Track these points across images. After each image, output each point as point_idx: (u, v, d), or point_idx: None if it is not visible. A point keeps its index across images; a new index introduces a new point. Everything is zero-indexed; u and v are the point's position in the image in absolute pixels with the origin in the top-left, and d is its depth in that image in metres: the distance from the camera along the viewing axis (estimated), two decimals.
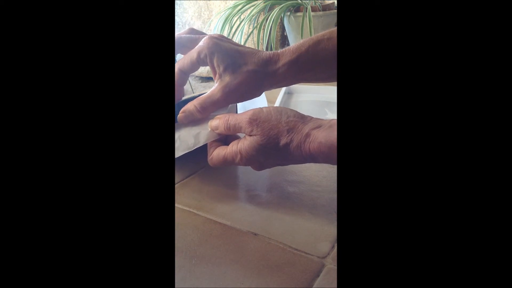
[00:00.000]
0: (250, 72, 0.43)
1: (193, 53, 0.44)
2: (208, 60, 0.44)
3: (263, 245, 0.36)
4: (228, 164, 0.41)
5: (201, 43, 0.44)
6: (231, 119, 0.41)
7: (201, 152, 0.46)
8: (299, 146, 0.37)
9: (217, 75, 0.44)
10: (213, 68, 0.44)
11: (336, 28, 0.45)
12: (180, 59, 0.45)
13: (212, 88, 0.45)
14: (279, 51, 0.46)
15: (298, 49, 0.45)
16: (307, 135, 0.37)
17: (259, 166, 0.41)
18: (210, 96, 0.44)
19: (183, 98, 0.57)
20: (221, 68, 0.43)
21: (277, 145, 0.38)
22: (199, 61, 0.44)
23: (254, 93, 0.46)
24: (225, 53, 0.43)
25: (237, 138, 0.43)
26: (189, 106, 0.45)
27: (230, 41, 0.46)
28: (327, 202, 0.42)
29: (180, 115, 0.46)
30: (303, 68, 0.45)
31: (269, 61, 0.45)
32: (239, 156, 0.40)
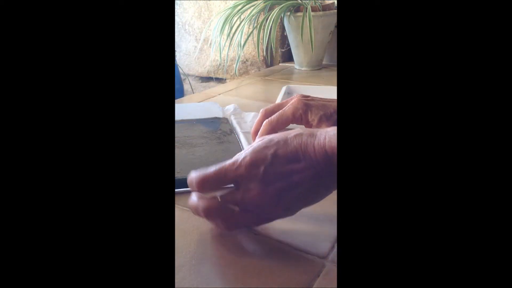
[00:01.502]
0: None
1: (287, 115, 0.50)
2: (303, 117, 0.50)
3: (263, 245, 0.36)
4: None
5: (293, 106, 0.51)
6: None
7: None
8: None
9: (309, 126, 0.51)
10: (307, 122, 0.51)
11: None
12: (271, 120, 0.51)
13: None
14: None
15: None
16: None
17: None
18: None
19: (183, 119, 0.58)
20: (316, 120, 0.50)
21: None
22: (294, 121, 0.51)
23: None
24: (316, 107, 0.50)
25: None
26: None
27: (315, 98, 0.53)
28: (327, 202, 0.42)
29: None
30: None
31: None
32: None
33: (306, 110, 0.50)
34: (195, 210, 0.36)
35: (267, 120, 0.51)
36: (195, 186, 0.36)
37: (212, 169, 0.36)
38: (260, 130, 0.51)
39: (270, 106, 0.53)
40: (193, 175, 0.36)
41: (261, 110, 0.53)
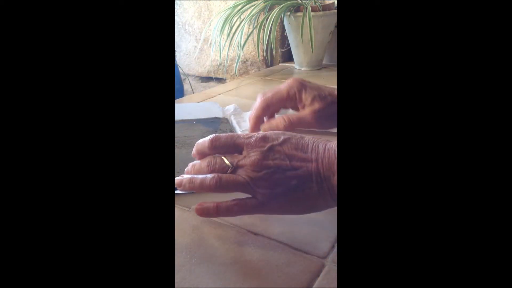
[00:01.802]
0: (336, 103, 0.51)
1: (282, 92, 0.52)
2: (297, 96, 0.52)
3: (263, 245, 0.36)
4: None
5: (288, 84, 0.52)
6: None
7: None
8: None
9: (302, 105, 0.52)
10: (300, 101, 0.52)
11: None
12: (267, 97, 0.52)
13: (301, 112, 0.52)
14: None
15: None
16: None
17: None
18: (300, 117, 0.52)
19: (183, 119, 0.59)
20: (309, 99, 0.51)
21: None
22: (288, 99, 0.52)
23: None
24: (311, 88, 0.52)
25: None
26: (278, 121, 0.52)
27: (311, 82, 0.54)
28: None
29: (265, 127, 0.52)
30: None
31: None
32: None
33: (300, 89, 0.51)
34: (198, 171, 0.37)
35: (263, 96, 0.52)
36: (208, 142, 0.37)
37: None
38: (255, 106, 0.53)
39: (268, 90, 0.54)
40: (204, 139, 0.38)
41: (259, 95, 0.54)
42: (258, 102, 0.52)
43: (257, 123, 0.53)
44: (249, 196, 0.36)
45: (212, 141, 0.37)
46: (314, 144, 0.35)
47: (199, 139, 0.57)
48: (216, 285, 0.32)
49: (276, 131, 0.37)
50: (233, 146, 0.37)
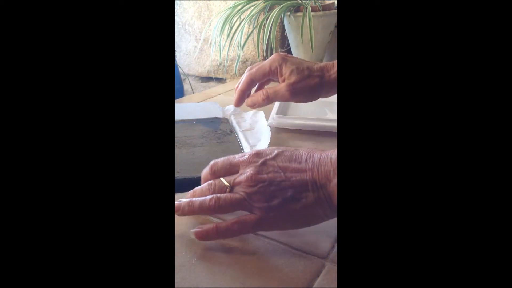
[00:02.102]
0: (311, 76, 0.54)
1: (265, 66, 0.55)
2: (278, 70, 0.54)
3: (263, 245, 0.36)
4: None
5: (271, 58, 0.55)
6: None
7: None
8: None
9: (282, 79, 0.54)
10: (281, 75, 0.55)
11: None
12: (251, 71, 0.56)
13: (279, 85, 0.55)
14: (333, 62, 0.55)
15: None
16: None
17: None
18: (276, 91, 0.55)
19: (183, 119, 0.60)
20: (288, 72, 0.54)
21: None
22: (270, 72, 0.55)
23: (312, 94, 0.55)
24: (291, 62, 0.54)
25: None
26: (257, 95, 0.56)
27: (294, 56, 0.57)
28: None
29: (248, 100, 0.57)
30: None
31: (325, 69, 0.54)
32: None
33: (281, 63, 0.54)
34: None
35: (248, 69, 0.56)
36: (208, 168, 0.38)
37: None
38: (240, 80, 0.56)
39: (254, 64, 0.58)
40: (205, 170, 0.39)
41: (247, 69, 0.57)
42: (243, 77, 0.56)
43: (242, 96, 0.57)
44: (248, 213, 0.35)
45: (211, 166, 0.38)
46: (309, 155, 0.35)
47: (199, 139, 0.57)
48: (216, 285, 0.32)
49: (271, 148, 0.37)
50: (230, 167, 0.37)
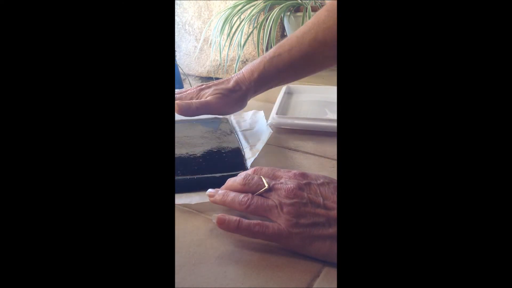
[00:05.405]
0: (220, 97, 0.55)
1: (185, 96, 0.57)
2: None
3: (263, 245, 0.36)
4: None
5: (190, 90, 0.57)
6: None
7: None
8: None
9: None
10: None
11: (296, 33, 0.57)
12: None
13: (207, 99, 0.56)
14: (236, 77, 0.57)
15: (257, 69, 0.56)
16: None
17: None
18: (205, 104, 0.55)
19: (183, 119, 0.62)
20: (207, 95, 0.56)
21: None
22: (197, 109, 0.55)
23: (228, 111, 0.58)
24: (207, 88, 0.57)
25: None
26: (191, 104, 0.54)
27: (209, 84, 0.58)
28: None
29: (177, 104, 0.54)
30: (266, 82, 0.57)
31: (233, 90, 0.55)
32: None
33: (198, 93, 0.56)
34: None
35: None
36: (251, 171, 0.39)
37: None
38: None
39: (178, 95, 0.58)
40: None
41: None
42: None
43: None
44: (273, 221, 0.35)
45: (255, 169, 0.39)
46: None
47: (199, 139, 0.57)
48: (216, 285, 0.32)
49: (318, 174, 0.38)
50: (272, 176, 0.38)
